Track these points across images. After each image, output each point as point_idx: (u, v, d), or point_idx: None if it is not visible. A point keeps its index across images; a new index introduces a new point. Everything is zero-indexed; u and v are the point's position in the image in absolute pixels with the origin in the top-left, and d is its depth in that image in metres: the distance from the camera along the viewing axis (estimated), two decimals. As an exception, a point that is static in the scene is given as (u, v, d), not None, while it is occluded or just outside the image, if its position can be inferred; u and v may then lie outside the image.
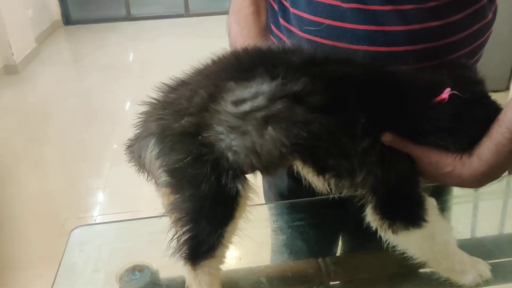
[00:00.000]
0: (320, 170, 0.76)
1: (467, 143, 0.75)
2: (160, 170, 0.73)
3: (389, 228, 0.75)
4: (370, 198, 0.75)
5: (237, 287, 0.83)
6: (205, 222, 0.72)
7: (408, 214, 0.75)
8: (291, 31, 0.90)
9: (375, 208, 0.75)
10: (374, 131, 0.73)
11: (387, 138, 0.74)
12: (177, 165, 0.71)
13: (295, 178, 0.84)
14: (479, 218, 1.04)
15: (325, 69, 0.74)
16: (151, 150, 0.73)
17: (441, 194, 1.05)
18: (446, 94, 0.74)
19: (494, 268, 0.86)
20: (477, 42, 0.88)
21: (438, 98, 0.75)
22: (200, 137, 0.70)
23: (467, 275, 0.79)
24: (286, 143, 0.68)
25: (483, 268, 0.80)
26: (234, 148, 0.69)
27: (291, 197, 1.04)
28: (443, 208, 1.03)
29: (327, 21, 0.83)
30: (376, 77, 0.77)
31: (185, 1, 6.15)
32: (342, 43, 0.81)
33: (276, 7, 0.94)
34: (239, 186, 0.71)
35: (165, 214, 0.76)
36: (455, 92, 0.74)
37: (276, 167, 0.73)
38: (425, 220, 0.75)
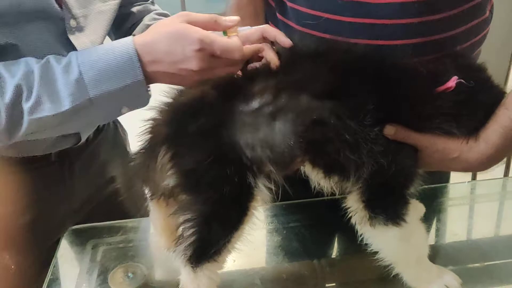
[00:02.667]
0: (328, 169, 0.75)
1: (472, 128, 0.75)
2: (170, 172, 0.71)
3: (368, 219, 0.75)
4: (360, 184, 0.75)
5: (231, 289, 0.83)
6: (217, 225, 0.71)
7: (391, 210, 0.75)
8: (289, 26, 0.90)
9: (363, 194, 0.74)
10: (381, 119, 0.73)
11: (389, 131, 0.73)
12: (196, 166, 0.69)
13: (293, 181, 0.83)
14: (475, 220, 1.03)
15: (328, 57, 0.74)
16: (163, 154, 0.71)
17: (437, 196, 1.05)
18: (452, 82, 0.74)
19: (490, 271, 0.86)
20: (474, 39, 0.88)
21: (444, 86, 0.75)
22: (220, 136, 0.69)
23: (433, 285, 0.78)
24: (293, 134, 0.68)
25: (449, 279, 0.79)
26: (250, 144, 0.69)
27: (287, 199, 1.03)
28: (439, 210, 1.03)
29: (325, 15, 0.83)
30: (380, 64, 0.76)
31: (182, 2, 6.14)
32: (340, 37, 0.81)
33: (273, 3, 0.94)
34: (259, 187, 0.71)
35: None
36: (462, 80, 0.74)
37: (290, 162, 0.72)
38: (404, 221, 0.74)
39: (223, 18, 0.69)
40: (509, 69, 2.07)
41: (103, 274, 0.85)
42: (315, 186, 0.80)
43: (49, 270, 0.87)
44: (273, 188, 0.73)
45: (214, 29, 0.71)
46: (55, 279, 0.85)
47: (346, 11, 0.81)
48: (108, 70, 0.68)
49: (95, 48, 0.71)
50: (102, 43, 0.91)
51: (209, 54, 0.66)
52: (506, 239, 0.98)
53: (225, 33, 0.74)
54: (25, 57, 0.72)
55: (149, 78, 0.70)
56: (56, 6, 0.77)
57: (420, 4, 0.79)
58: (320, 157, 0.74)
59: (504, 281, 0.84)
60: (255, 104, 0.70)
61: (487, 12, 0.90)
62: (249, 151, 0.69)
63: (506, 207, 1.08)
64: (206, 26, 0.69)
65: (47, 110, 0.68)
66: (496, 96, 0.78)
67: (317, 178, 0.78)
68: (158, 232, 0.84)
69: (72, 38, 0.80)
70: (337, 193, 0.79)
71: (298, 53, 0.76)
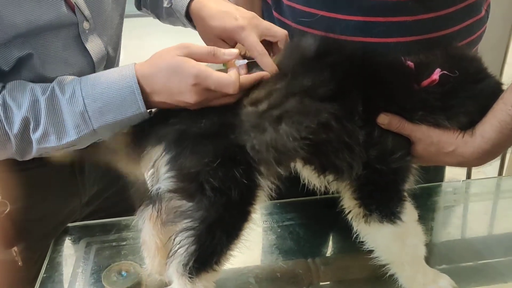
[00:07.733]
0: (322, 169, 0.75)
1: (465, 120, 0.74)
2: (167, 175, 0.69)
3: (363, 217, 0.74)
4: (352, 184, 0.74)
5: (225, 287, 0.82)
6: (222, 233, 0.68)
7: (385, 207, 0.74)
8: (285, 24, 0.90)
9: (355, 192, 0.74)
10: (371, 119, 0.72)
11: (383, 120, 0.73)
12: (201, 168, 0.67)
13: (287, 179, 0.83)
14: (468, 219, 1.04)
15: (327, 60, 0.74)
16: (161, 156, 0.70)
17: (431, 195, 1.05)
18: (436, 75, 0.73)
19: (484, 269, 0.86)
20: (470, 38, 0.88)
21: (428, 80, 0.74)
22: (228, 137, 0.68)
23: None
24: (297, 137, 0.68)
25: (445, 283, 0.78)
26: (256, 146, 0.68)
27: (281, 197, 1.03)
28: (433, 209, 1.03)
29: (321, 12, 0.83)
30: (368, 63, 0.76)
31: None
32: (335, 34, 0.81)
33: (269, 1, 0.94)
34: (264, 187, 0.70)
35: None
36: (445, 72, 0.73)
37: (290, 161, 0.72)
38: (400, 219, 0.74)
39: (222, 51, 0.70)
40: (502, 68, 2.08)
41: (97, 273, 0.85)
42: (306, 184, 0.80)
43: (42, 269, 0.86)
44: (273, 187, 0.72)
45: (212, 62, 0.72)
46: (49, 277, 0.85)
47: (341, 9, 0.82)
48: (111, 103, 0.70)
49: (99, 77, 0.72)
50: (118, 43, 0.92)
51: (204, 88, 0.68)
52: (499, 238, 0.98)
53: (224, 65, 0.74)
54: (38, 63, 0.75)
55: (149, 107, 0.73)
56: (69, 12, 0.78)
57: (414, 3, 0.79)
58: (317, 157, 0.73)
59: (497, 280, 0.84)
60: (262, 107, 0.70)
61: (483, 11, 0.90)
62: (255, 153, 0.68)
63: (499, 206, 1.09)
64: (204, 59, 0.71)
65: (53, 141, 0.71)
66: (490, 86, 0.76)
67: (309, 176, 0.78)
68: (152, 254, 0.81)
69: (86, 43, 0.81)
70: (330, 191, 0.79)
71: (300, 56, 0.75)
